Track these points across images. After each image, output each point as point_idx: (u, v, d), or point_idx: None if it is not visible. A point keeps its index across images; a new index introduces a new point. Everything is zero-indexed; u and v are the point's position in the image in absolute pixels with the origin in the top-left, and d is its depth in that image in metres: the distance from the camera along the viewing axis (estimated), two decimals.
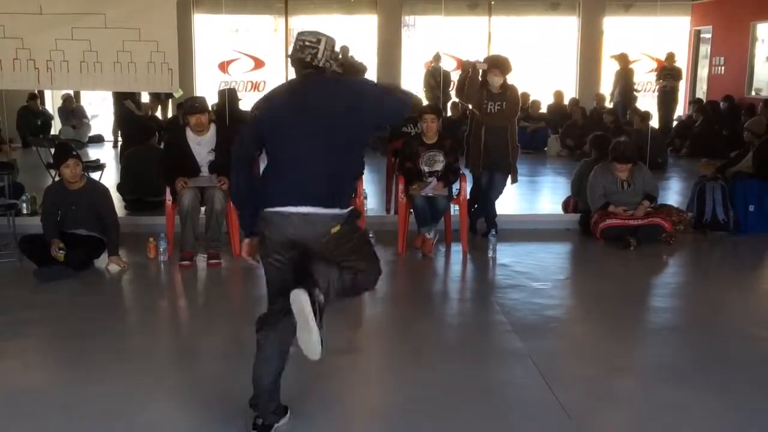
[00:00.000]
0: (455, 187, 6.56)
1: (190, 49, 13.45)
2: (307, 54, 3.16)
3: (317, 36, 3.20)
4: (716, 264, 6.74)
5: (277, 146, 3.17)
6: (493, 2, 14.53)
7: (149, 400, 3.71)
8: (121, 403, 3.65)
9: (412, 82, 13.67)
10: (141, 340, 4.63)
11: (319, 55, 3.16)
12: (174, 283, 5.87)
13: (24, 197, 7.25)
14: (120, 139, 12.57)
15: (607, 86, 13.83)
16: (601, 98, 13.41)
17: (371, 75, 13.82)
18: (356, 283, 3.22)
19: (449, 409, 3.61)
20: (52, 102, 13.68)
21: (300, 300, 3.01)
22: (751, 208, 7.12)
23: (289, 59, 3.28)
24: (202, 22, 14.32)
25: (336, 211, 3.09)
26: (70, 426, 3.44)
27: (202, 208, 6.05)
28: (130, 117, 11.12)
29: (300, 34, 3.23)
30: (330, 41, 3.22)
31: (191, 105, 6.17)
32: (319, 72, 3.17)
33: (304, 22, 15.22)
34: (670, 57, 13.36)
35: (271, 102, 3.26)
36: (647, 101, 13.16)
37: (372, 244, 3.39)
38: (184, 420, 3.57)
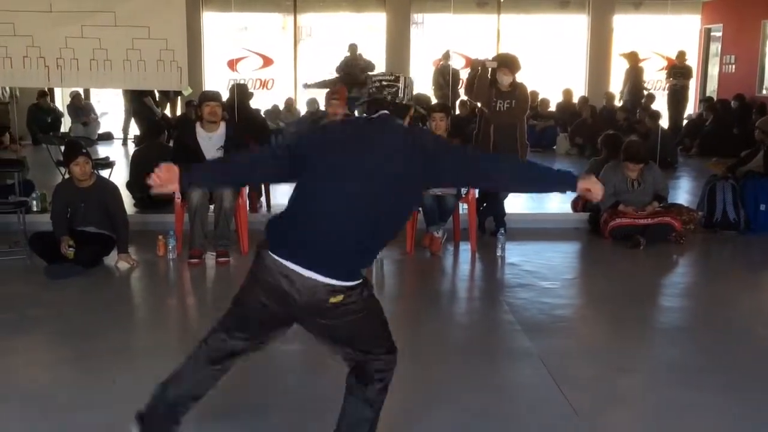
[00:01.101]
0: None
1: (199, 47, 13.46)
2: (387, 93, 2.83)
3: (393, 74, 2.92)
4: (726, 264, 6.71)
5: (317, 186, 2.71)
6: (502, 0, 14.50)
7: None
8: (128, 401, 3.64)
9: (421, 81, 13.67)
10: (149, 338, 4.64)
11: (401, 94, 2.84)
12: (183, 281, 5.88)
13: (34, 194, 7.27)
14: (131, 136, 12.67)
15: (616, 84, 13.79)
16: (610, 97, 13.36)
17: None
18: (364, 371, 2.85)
19: (457, 408, 3.60)
20: (61, 99, 13.73)
21: None
22: (762, 207, 7.10)
23: (362, 105, 2.94)
24: (211, 20, 14.34)
25: (345, 283, 2.67)
26: (77, 424, 3.45)
27: (211, 206, 6.06)
28: (146, 113, 11.19)
29: (373, 76, 2.93)
30: (409, 80, 2.90)
31: (207, 94, 6.31)
32: (397, 112, 2.82)
33: (312, 19, 15.24)
34: (681, 55, 13.29)
35: (327, 132, 2.95)
36: (657, 100, 13.11)
37: (382, 318, 2.89)
38: (190, 417, 3.57)
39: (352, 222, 2.66)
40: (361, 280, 2.73)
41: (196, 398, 2.92)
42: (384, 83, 2.86)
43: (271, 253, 2.72)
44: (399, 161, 2.71)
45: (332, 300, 2.65)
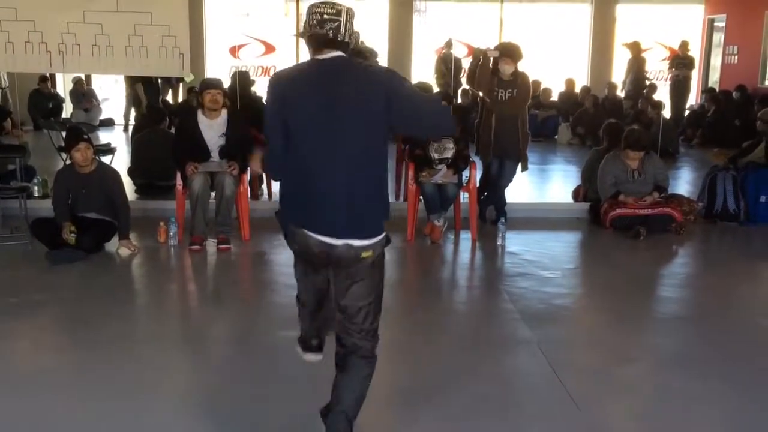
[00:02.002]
0: (465, 174, 6.55)
1: (201, 34, 13.44)
2: (328, 29, 2.73)
3: (335, 6, 2.77)
4: (726, 254, 6.71)
5: (303, 147, 2.75)
6: None
7: (157, 383, 3.74)
8: (129, 385, 3.68)
9: (423, 69, 13.64)
10: (150, 324, 4.67)
11: (342, 30, 2.74)
12: (184, 268, 5.90)
13: (35, 180, 7.29)
14: (132, 122, 12.65)
15: (619, 74, 13.76)
16: (612, 86, 13.34)
17: (381, 61, 13.79)
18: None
19: (456, 396, 3.62)
20: (63, 85, 13.72)
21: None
22: (763, 198, 7.09)
23: (303, 37, 2.83)
24: (213, 6, 14.31)
25: (372, 241, 2.77)
26: (79, 407, 3.47)
27: (213, 193, 6.07)
28: (139, 101, 11.18)
29: (314, 6, 2.79)
30: (350, 12, 2.79)
31: (208, 82, 6.29)
32: (342, 48, 2.76)
33: None
34: (684, 45, 13.26)
35: (292, 87, 2.80)
36: (659, 90, 13.09)
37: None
38: (192, 403, 3.59)
39: (343, 173, 2.72)
40: (384, 233, 2.83)
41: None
42: (326, 17, 2.74)
43: (297, 228, 2.80)
44: (364, 101, 2.73)
45: (363, 255, 2.77)
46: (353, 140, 2.72)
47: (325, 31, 2.73)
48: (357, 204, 2.74)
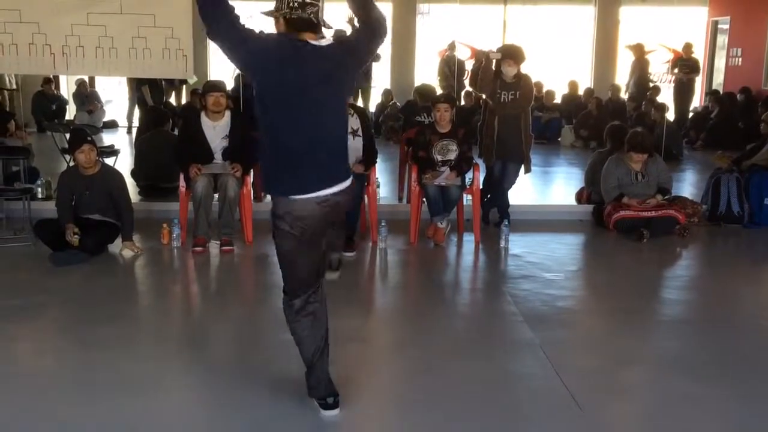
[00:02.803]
0: (468, 176, 6.55)
1: (204, 36, 13.43)
2: (310, 12, 2.95)
3: None
4: (730, 257, 6.70)
5: (284, 117, 2.97)
6: None
7: (161, 384, 3.74)
8: (133, 386, 3.68)
9: (426, 71, 13.64)
10: (153, 325, 4.67)
11: (320, 15, 2.98)
12: (187, 269, 5.90)
13: (39, 182, 7.30)
14: (136, 124, 12.67)
15: (622, 77, 13.75)
16: (616, 89, 13.33)
17: (385, 63, 13.80)
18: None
19: (458, 399, 3.61)
20: (66, 87, 13.72)
21: None
22: (766, 201, 7.09)
23: (277, 15, 3.02)
24: None
25: (350, 180, 3.16)
26: (82, 408, 3.47)
27: (216, 195, 6.07)
28: (145, 104, 11.19)
29: None
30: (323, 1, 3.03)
31: (211, 84, 6.31)
32: (319, 32, 3.00)
33: None
34: (688, 48, 13.24)
35: (275, 59, 2.98)
36: (663, 92, 13.08)
37: None
38: (195, 403, 3.60)
39: (321, 128, 3.02)
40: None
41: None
42: (307, 1, 2.95)
43: (293, 197, 3.00)
44: (333, 66, 3.03)
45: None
46: (330, 104, 3.06)
47: (307, 14, 2.94)
48: (337, 157, 3.12)
